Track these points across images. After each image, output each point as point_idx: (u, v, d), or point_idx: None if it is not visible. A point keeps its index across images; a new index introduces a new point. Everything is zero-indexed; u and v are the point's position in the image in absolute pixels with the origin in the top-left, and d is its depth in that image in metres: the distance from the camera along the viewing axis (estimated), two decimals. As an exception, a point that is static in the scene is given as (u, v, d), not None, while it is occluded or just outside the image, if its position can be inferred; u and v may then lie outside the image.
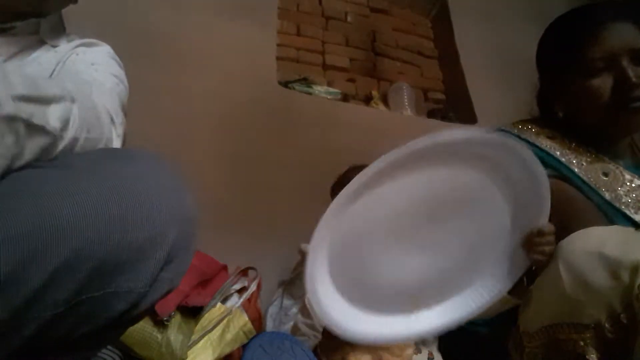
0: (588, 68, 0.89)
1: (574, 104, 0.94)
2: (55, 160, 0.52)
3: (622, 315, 0.57)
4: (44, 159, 0.51)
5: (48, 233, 0.41)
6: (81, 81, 0.69)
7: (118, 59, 0.85)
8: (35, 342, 0.44)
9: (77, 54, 0.78)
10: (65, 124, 0.52)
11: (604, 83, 0.88)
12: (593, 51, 0.88)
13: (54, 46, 0.79)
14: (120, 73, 0.82)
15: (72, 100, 0.54)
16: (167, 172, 0.54)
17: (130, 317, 0.51)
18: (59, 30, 0.85)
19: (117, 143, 0.64)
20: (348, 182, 0.95)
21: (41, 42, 0.79)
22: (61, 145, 0.52)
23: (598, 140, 0.94)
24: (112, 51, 0.86)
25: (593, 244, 0.63)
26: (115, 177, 0.48)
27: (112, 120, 0.64)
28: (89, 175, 0.47)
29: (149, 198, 0.49)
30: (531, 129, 0.98)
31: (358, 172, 0.95)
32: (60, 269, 0.42)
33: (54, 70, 0.75)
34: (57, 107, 0.51)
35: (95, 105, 0.61)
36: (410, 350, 0.82)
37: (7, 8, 0.75)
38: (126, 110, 0.81)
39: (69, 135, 0.53)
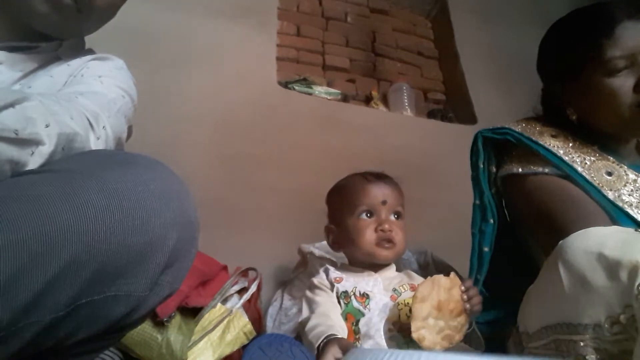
0: (608, 68, 0.86)
1: (591, 106, 0.91)
2: (55, 164, 0.53)
3: (621, 316, 0.57)
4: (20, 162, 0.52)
5: (48, 237, 0.41)
6: (64, 94, 0.71)
7: (130, 73, 0.88)
8: (35, 345, 0.44)
9: (88, 68, 0.81)
10: (25, 123, 0.53)
11: (624, 83, 0.85)
12: (613, 50, 0.85)
13: (69, 61, 0.82)
14: (129, 86, 0.85)
15: (26, 100, 0.55)
16: (168, 176, 0.55)
17: (130, 321, 0.52)
18: (78, 49, 0.89)
19: (95, 145, 0.65)
20: (345, 189, 0.94)
21: (58, 58, 0.83)
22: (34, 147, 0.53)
23: (605, 140, 0.93)
24: (124, 65, 0.89)
25: (593, 244, 0.62)
26: (115, 181, 0.48)
27: (90, 123, 0.65)
28: (89, 179, 0.47)
29: (149, 202, 0.49)
30: (535, 127, 0.97)
31: (356, 179, 0.94)
32: (61, 273, 0.42)
33: (65, 82, 0.78)
34: (10, 111, 0.52)
35: (68, 108, 0.63)
36: (464, 328, 0.78)
37: (35, 30, 0.79)
38: (131, 120, 0.84)
39: (33, 131, 0.54)
